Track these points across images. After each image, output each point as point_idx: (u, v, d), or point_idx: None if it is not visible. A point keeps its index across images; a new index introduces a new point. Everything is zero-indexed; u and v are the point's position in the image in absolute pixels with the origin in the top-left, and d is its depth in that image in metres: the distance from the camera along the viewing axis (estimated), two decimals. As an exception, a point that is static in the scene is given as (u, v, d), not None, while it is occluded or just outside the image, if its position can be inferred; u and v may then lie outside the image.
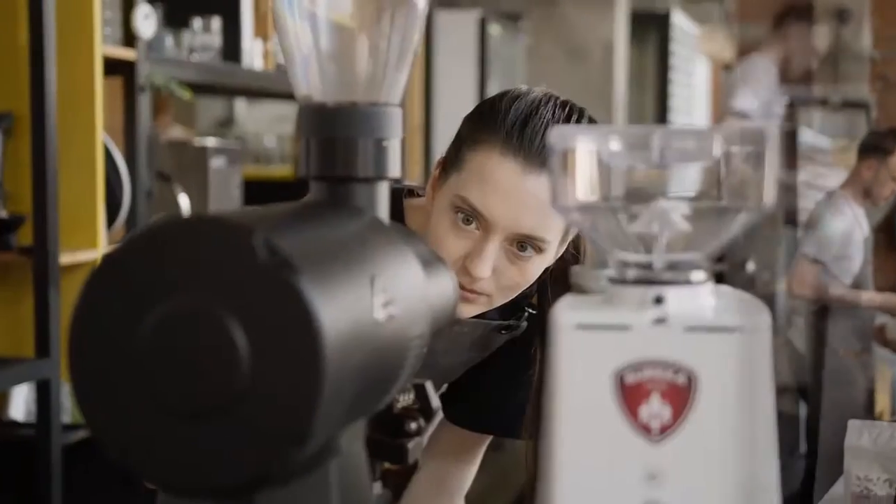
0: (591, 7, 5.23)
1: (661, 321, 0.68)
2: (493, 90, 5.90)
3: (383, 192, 0.82)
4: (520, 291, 1.30)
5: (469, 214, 1.24)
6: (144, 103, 2.64)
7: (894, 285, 9.77)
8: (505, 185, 1.22)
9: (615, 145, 0.71)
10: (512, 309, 1.39)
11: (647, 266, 0.71)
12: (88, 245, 2.47)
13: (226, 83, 3.12)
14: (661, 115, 7.25)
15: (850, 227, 4.26)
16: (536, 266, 1.27)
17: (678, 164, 0.71)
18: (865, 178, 4.28)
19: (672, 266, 0.71)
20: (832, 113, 8.12)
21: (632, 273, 0.71)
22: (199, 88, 3.15)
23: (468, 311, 1.29)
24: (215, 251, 0.61)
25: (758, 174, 0.69)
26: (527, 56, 5.14)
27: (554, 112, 1.27)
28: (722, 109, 4.48)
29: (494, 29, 4.78)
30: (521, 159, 1.22)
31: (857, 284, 4.28)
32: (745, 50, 9.68)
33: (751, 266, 4.32)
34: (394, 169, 0.82)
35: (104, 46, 2.51)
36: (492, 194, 1.23)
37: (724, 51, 9.00)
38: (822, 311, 4.31)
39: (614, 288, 0.71)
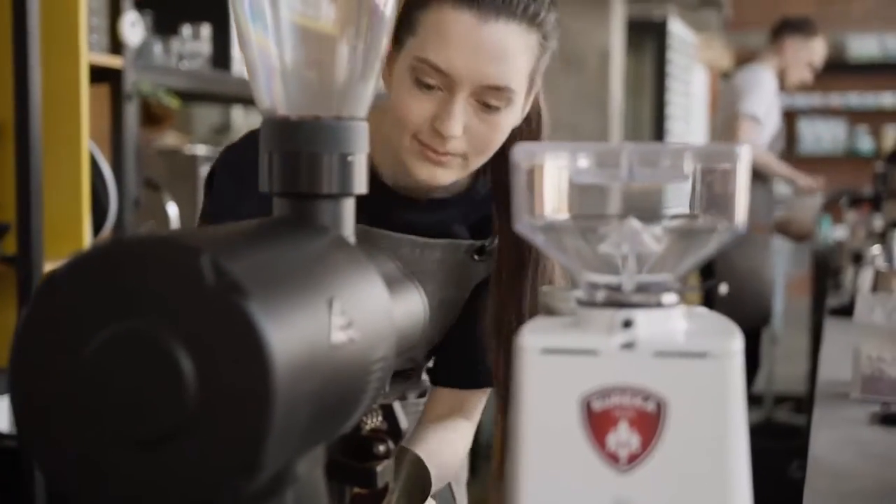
0: (588, 15, 5.21)
1: (629, 346, 0.66)
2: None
3: (349, 208, 0.80)
4: (493, 150, 1.26)
5: (430, 75, 1.21)
6: (131, 111, 2.62)
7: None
8: (463, 37, 1.19)
9: (583, 162, 0.68)
10: (482, 231, 1.38)
11: (617, 288, 0.69)
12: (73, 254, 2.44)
13: (215, 91, 3.09)
14: (659, 123, 7.23)
15: (775, 92, 4.43)
16: (506, 120, 1.24)
17: (648, 182, 0.68)
18: (784, 57, 4.43)
19: (642, 288, 0.68)
20: (687, 12, 8.15)
21: (601, 295, 0.68)
22: (188, 96, 3.12)
23: (445, 175, 1.26)
24: (161, 273, 0.59)
25: (730, 194, 0.67)
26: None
27: None
28: (726, 113, 4.48)
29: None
30: (475, 9, 1.19)
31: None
32: (743, 58, 9.69)
33: None
34: (360, 185, 0.80)
35: (91, 54, 2.49)
36: (450, 48, 1.20)
37: (721, 59, 9.00)
38: None
39: (582, 310, 0.69)
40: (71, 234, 2.44)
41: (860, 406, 1.79)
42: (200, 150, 3.07)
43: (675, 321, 0.68)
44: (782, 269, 5.92)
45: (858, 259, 3.21)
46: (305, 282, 0.65)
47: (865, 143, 9.79)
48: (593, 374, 0.65)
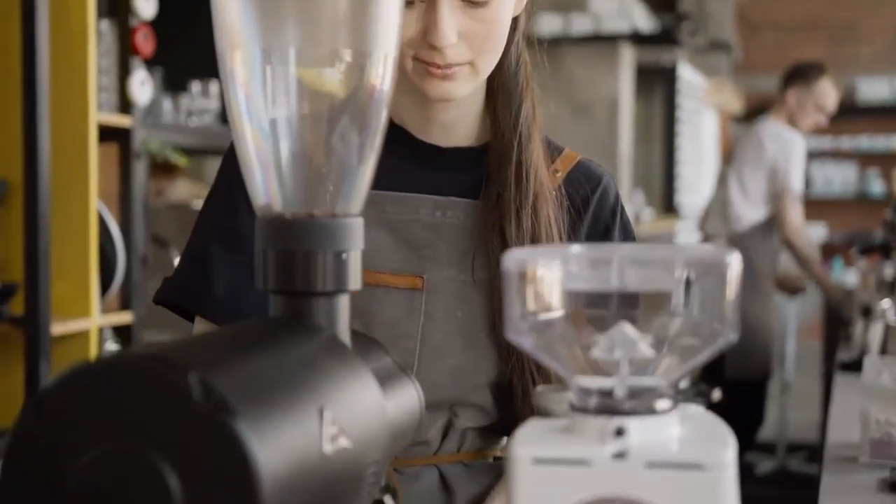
0: (596, 63, 5.23)
1: (621, 455, 0.65)
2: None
3: (343, 305, 0.80)
4: (501, 47, 1.18)
5: None
6: (140, 170, 2.63)
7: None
8: None
9: (573, 267, 0.68)
10: None
11: (609, 393, 0.68)
12: (81, 314, 2.44)
13: (223, 146, 3.10)
14: (669, 169, 7.24)
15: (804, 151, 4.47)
16: (500, 12, 1.16)
17: (639, 287, 0.68)
18: (790, 105, 4.41)
19: (634, 393, 0.68)
20: (697, 56, 8.16)
21: (593, 401, 0.68)
22: (197, 151, 3.14)
23: (458, 88, 1.17)
24: (150, 391, 0.59)
25: (721, 300, 0.66)
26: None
27: None
28: (776, 187, 4.42)
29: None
30: None
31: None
32: (753, 101, 9.71)
33: None
34: (354, 281, 0.80)
35: (100, 114, 2.51)
36: None
37: (731, 102, 9.01)
38: (747, 235, 4.39)
39: (575, 415, 0.68)
40: (79, 294, 2.45)
41: (869, 471, 1.77)
42: (209, 205, 3.08)
43: (668, 428, 0.67)
44: (793, 314, 5.89)
45: (868, 313, 3.20)
46: (296, 392, 0.65)
47: (876, 186, 9.77)
48: (586, 485, 0.65)
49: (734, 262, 0.67)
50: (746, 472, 5.12)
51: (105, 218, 2.52)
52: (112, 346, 2.72)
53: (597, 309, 0.70)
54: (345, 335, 0.79)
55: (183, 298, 1.23)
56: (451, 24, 1.13)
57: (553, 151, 1.30)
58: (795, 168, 4.36)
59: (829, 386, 3.23)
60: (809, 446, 5.38)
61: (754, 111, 9.83)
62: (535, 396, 0.75)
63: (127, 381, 0.59)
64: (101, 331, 2.59)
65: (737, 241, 4.44)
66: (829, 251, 9.79)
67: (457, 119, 1.27)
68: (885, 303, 3.07)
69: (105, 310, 2.59)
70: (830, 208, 9.89)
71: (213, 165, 3.87)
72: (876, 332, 2.90)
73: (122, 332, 2.68)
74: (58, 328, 2.37)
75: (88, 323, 2.46)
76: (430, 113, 1.25)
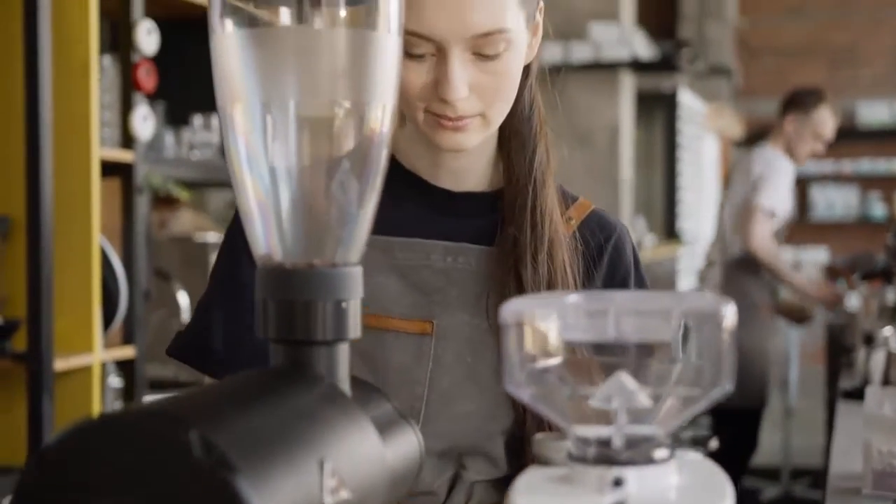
0: (596, 91, 5.26)
1: (619, 506, 0.65)
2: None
3: (343, 354, 0.80)
4: (512, 97, 1.17)
5: (415, 44, 1.12)
6: (142, 204, 2.64)
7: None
8: None
9: (570, 319, 0.69)
10: None
11: (607, 442, 0.69)
12: (84, 349, 2.45)
13: (225, 179, 3.13)
14: (670, 194, 7.25)
15: (789, 184, 4.43)
16: (511, 63, 1.14)
17: (635, 337, 0.69)
18: (787, 133, 4.40)
19: (632, 443, 0.68)
20: (698, 81, 8.17)
21: (591, 451, 0.68)
22: (200, 183, 3.15)
23: (469, 139, 1.17)
24: (150, 447, 0.59)
25: (717, 351, 0.67)
26: (532, 140, 5.15)
27: None
28: (740, 196, 4.48)
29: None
30: None
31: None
32: (753, 125, 9.74)
33: None
34: (354, 330, 0.81)
35: (102, 149, 2.52)
36: (424, 10, 1.10)
37: (732, 127, 9.04)
38: (741, 262, 4.38)
39: (573, 466, 0.69)
40: (82, 329, 2.46)
41: (872, 503, 1.77)
42: (212, 237, 3.10)
43: (666, 477, 0.68)
44: (796, 339, 5.89)
45: (870, 340, 3.20)
46: (296, 445, 0.66)
47: (878, 209, 9.79)
48: (584, 536, 0.65)
49: (729, 313, 0.67)
50: (751, 498, 5.10)
51: (108, 253, 2.53)
52: (115, 380, 2.73)
53: (594, 358, 0.71)
54: (345, 384, 0.79)
55: (186, 354, 1.25)
56: (461, 77, 1.12)
57: (567, 199, 1.29)
58: (771, 187, 4.35)
59: (833, 412, 3.22)
60: (814, 472, 5.37)
61: (755, 135, 9.85)
62: (533, 444, 0.76)
63: (128, 438, 0.60)
64: (103, 366, 2.60)
65: (731, 267, 4.45)
66: (831, 274, 9.81)
67: (468, 165, 1.26)
68: (887, 330, 3.07)
69: (108, 344, 2.59)
70: (832, 232, 9.91)
71: (215, 197, 3.89)
72: (878, 361, 2.90)
73: (124, 367, 2.68)
74: (60, 364, 2.37)
75: (91, 358, 2.47)
76: (442, 159, 1.25)
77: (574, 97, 5.20)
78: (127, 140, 2.62)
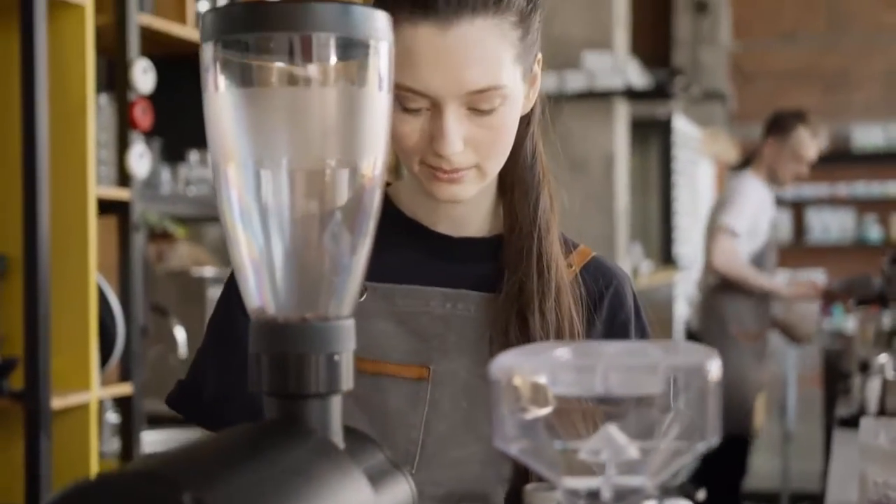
0: (591, 119, 5.28)
1: (609, 559, 0.66)
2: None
3: (336, 406, 0.81)
4: (508, 149, 1.18)
5: (411, 99, 1.13)
6: (139, 241, 2.66)
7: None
8: (428, 52, 1.11)
9: (559, 374, 0.70)
10: None
11: (596, 495, 0.70)
12: (81, 387, 2.46)
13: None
14: (666, 220, 7.27)
15: (761, 203, 4.38)
16: (507, 117, 1.16)
17: (623, 392, 0.70)
18: (767, 156, 4.38)
19: (621, 495, 0.69)
20: (693, 106, 8.18)
21: (581, 503, 0.69)
22: (196, 219, 3.17)
23: (465, 191, 1.18)
24: (145, 510, 0.60)
25: (703, 406, 0.68)
26: (527, 169, 5.17)
27: None
28: (709, 226, 4.52)
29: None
30: (432, 18, 1.11)
31: (757, 266, 4.40)
32: (748, 149, 9.77)
33: None
34: (347, 382, 0.82)
35: (99, 187, 2.53)
36: (419, 67, 1.11)
37: (727, 151, 9.07)
38: (718, 289, 4.35)
39: (564, 518, 0.70)
40: (78, 367, 2.46)
41: (868, 534, 1.78)
42: (208, 272, 3.11)
43: (655, 529, 0.69)
44: (794, 363, 5.89)
45: (866, 368, 3.20)
46: (289, 502, 0.67)
47: (874, 232, 9.82)
48: (574, 589, 0.66)
49: (714, 368, 0.68)
50: (751, 525, 5.10)
51: (104, 290, 2.54)
52: (112, 416, 2.73)
53: (584, 411, 0.72)
54: (337, 436, 0.80)
55: (181, 404, 1.27)
56: (456, 132, 1.13)
57: (568, 245, 1.30)
58: (734, 208, 4.34)
59: (830, 438, 3.23)
60: (813, 496, 5.37)
61: (750, 160, 9.88)
62: (524, 495, 0.77)
63: (123, 500, 0.61)
64: (100, 403, 2.60)
65: (709, 295, 4.45)
66: (828, 298, 9.82)
67: (468, 212, 1.27)
68: (883, 357, 3.08)
69: (105, 381, 2.60)
70: (828, 255, 9.92)
71: (211, 230, 3.90)
72: (874, 388, 2.90)
73: (122, 403, 2.69)
74: (57, 402, 2.38)
75: (88, 396, 2.47)
76: (441, 206, 1.26)
77: (569, 125, 5.22)
78: (123, 178, 2.64)
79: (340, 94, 0.79)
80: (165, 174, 2.92)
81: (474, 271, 1.26)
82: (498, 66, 1.13)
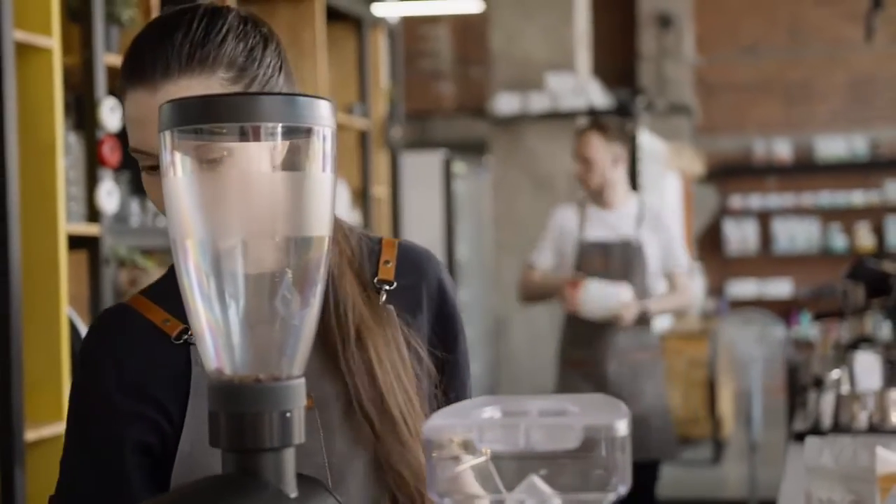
0: (556, 138, 5.37)
1: None
2: (459, 224, 6.04)
3: (289, 458, 0.89)
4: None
5: (145, 159, 1.18)
6: (108, 275, 2.72)
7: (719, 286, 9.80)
8: (143, 113, 1.17)
9: (486, 433, 0.78)
10: None
11: (522, 541, 0.77)
12: (54, 419, 2.51)
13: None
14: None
15: (559, 225, 4.11)
16: (244, 167, 1.14)
17: (544, 448, 0.78)
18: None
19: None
20: (658, 120, 8.24)
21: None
22: (166, 249, 3.23)
23: None
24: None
25: (613, 461, 0.76)
26: (493, 188, 5.26)
27: (166, 18, 1.21)
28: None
29: (459, 166, 4.90)
30: (144, 82, 1.17)
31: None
32: (714, 161, 9.91)
33: None
34: (299, 436, 0.89)
35: (69, 224, 2.60)
36: (140, 129, 1.18)
37: (693, 164, 9.20)
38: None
39: (492, 562, 0.78)
40: (51, 400, 2.52)
41: (814, 552, 1.85)
42: (178, 300, 3.16)
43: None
44: (759, 374, 5.99)
45: (819, 383, 3.29)
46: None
47: (839, 241, 9.97)
48: None
49: (622, 425, 0.76)
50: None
51: (76, 323, 2.61)
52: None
53: (509, 463, 0.80)
54: (290, 486, 0.88)
55: None
56: None
57: (372, 243, 1.33)
58: (540, 242, 4.17)
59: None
60: (780, 506, 5.46)
61: (716, 171, 10.06)
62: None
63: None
64: (74, 433, 2.66)
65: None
66: (795, 306, 9.98)
67: None
68: (836, 373, 3.16)
69: (77, 412, 2.65)
70: (795, 264, 10.07)
71: (181, 257, 3.95)
72: (828, 403, 2.98)
73: (94, 433, 2.75)
74: (31, 434, 2.43)
75: (61, 428, 2.53)
76: None
77: (533, 145, 5.31)
78: (93, 214, 2.70)
79: (287, 175, 0.87)
80: (134, 207, 2.98)
81: None
82: None
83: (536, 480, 0.78)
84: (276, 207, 0.87)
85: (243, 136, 0.87)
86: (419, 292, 1.32)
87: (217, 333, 0.89)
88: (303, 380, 0.90)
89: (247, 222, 0.87)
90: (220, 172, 0.90)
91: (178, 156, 0.88)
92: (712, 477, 6.65)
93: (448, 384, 1.33)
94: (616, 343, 3.99)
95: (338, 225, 1.29)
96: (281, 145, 0.87)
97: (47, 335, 2.52)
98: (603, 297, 3.92)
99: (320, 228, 0.89)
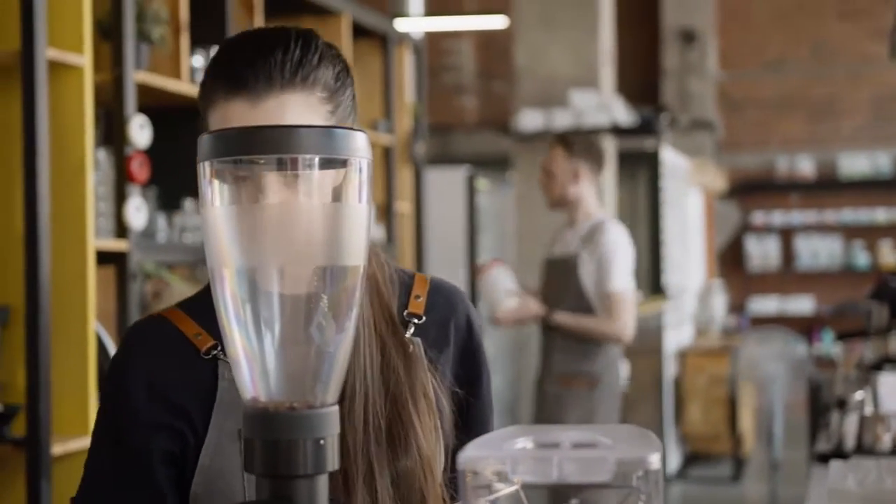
0: (579, 154, 5.37)
1: None
2: (483, 240, 6.06)
3: (323, 485, 0.90)
4: None
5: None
6: (135, 290, 2.74)
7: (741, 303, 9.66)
8: (239, 124, 1.18)
9: (520, 464, 0.79)
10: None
11: (554, 571, 0.78)
12: (81, 433, 2.54)
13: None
14: (655, 250, 7.36)
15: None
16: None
17: (576, 481, 0.79)
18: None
19: (576, 572, 0.78)
20: (681, 136, 8.21)
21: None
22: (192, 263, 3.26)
23: None
24: None
25: (647, 493, 0.77)
26: (516, 204, 5.27)
27: (261, 34, 1.24)
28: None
29: (482, 183, 4.90)
30: (244, 93, 1.19)
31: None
32: (737, 178, 9.88)
33: None
34: (332, 463, 0.90)
35: (97, 240, 2.62)
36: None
37: (715, 181, 9.19)
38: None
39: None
40: (78, 414, 2.54)
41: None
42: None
43: None
44: (780, 394, 5.98)
45: (843, 405, 3.27)
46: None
47: (861, 258, 9.92)
48: None
49: (655, 458, 0.77)
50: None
51: (103, 338, 2.63)
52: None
53: (540, 493, 0.81)
54: (325, 516, 0.89)
55: None
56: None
57: (404, 277, 1.34)
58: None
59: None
60: (802, 526, 5.43)
61: (739, 187, 10.04)
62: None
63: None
64: (100, 446, 2.67)
65: None
66: (816, 323, 9.94)
67: None
68: (860, 394, 3.14)
69: (104, 426, 2.68)
70: (817, 281, 10.03)
71: (205, 271, 3.98)
72: (851, 425, 2.97)
73: (120, 446, 2.77)
74: (58, 448, 2.45)
75: (87, 442, 2.55)
76: None
77: (556, 161, 5.31)
78: (121, 230, 2.73)
79: (324, 207, 0.89)
80: (161, 222, 3.01)
81: None
82: None
83: (570, 510, 0.79)
84: (313, 237, 0.89)
85: (281, 167, 0.88)
86: (447, 328, 1.34)
87: (252, 360, 0.90)
88: (336, 407, 0.92)
89: (284, 252, 0.89)
90: (257, 204, 0.91)
91: (216, 185, 0.89)
92: (732, 495, 6.63)
93: (470, 423, 1.33)
94: (551, 364, 3.92)
95: (373, 255, 1.30)
96: (318, 176, 0.88)
97: (75, 350, 2.54)
98: (493, 286, 3.91)
99: (356, 258, 0.90)
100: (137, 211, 2.72)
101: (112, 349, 2.63)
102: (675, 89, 9.51)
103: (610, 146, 5.66)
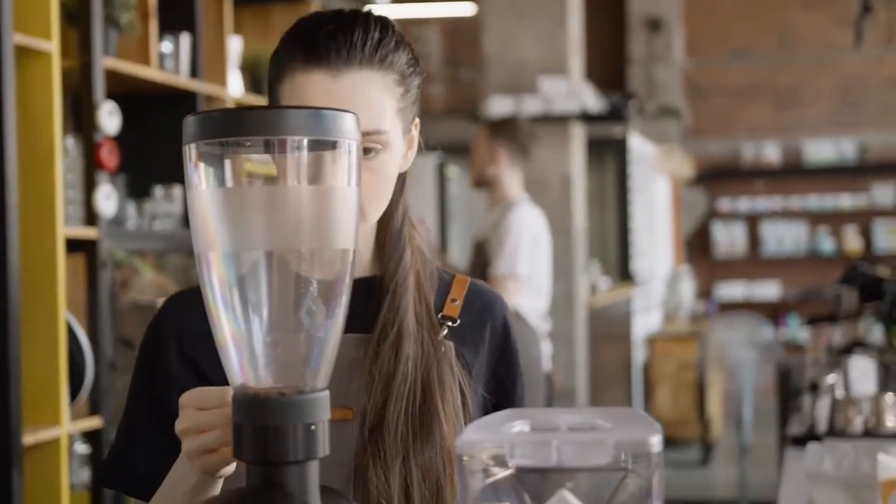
0: (549, 142, 5.36)
1: None
2: (453, 227, 6.05)
3: (313, 470, 0.89)
4: (388, 197, 1.25)
5: None
6: (106, 278, 2.71)
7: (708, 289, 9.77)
8: (319, 97, 1.19)
9: (518, 448, 0.78)
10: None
11: (551, 556, 0.77)
12: (51, 422, 2.51)
13: (187, 248, 3.19)
14: (623, 236, 7.39)
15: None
16: (387, 164, 1.23)
17: (574, 464, 0.78)
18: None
19: (574, 556, 0.77)
20: (648, 123, 8.25)
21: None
22: (162, 252, 3.23)
23: None
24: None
25: (647, 475, 0.76)
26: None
27: (341, 13, 1.26)
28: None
29: (452, 170, 4.89)
30: (324, 66, 1.20)
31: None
32: (703, 164, 9.93)
33: None
34: (323, 449, 0.89)
35: (67, 227, 2.58)
36: (308, 105, 1.18)
37: (682, 167, 9.22)
38: None
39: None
40: (49, 404, 2.51)
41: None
42: (174, 303, 3.14)
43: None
44: (750, 379, 6.01)
45: (815, 387, 3.29)
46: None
47: (827, 244, 10.00)
48: None
49: (656, 440, 0.76)
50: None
51: (73, 327, 2.59)
52: (81, 448, 2.78)
53: (540, 478, 0.80)
54: (315, 498, 0.88)
55: (115, 481, 1.29)
56: None
57: (446, 279, 1.34)
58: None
59: (783, 451, 3.31)
60: (771, 506, 5.47)
61: (705, 174, 10.08)
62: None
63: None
64: (70, 437, 2.65)
65: None
66: (782, 308, 10.01)
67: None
68: (832, 377, 3.16)
69: (74, 416, 2.65)
70: (783, 266, 10.10)
71: (175, 260, 3.95)
72: (823, 408, 2.99)
73: (91, 437, 2.74)
74: (29, 438, 2.42)
75: (58, 431, 2.52)
76: None
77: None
78: (91, 217, 2.69)
79: (312, 189, 0.87)
80: (131, 210, 2.97)
81: (354, 312, 1.25)
82: (381, 112, 1.22)
83: (567, 495, 0.78)
84: (301, 220, 0.87)
85: (268, 149, 0.87)
86: (483, 332, 1.33)
87: (241, 346, 0.89)
88: (327, 392, 0.90)
89: (270, 234, 0.87)
90: (244, 186, 0.89)
91: (202, 168, 0.87)
92: (701, 478, 6.67)
93: None
94: None
95: (417, 252, 1.31)
96: (306, 158, 0.86)
97: (46, 338, 2.51)
98: None
99: (345, 241, 0.89)
100: (107, 198, 2.69)
101: (83, 337, 2.60)
102: (641, 77, 9.53)
103: (579, 133, 5.66)
